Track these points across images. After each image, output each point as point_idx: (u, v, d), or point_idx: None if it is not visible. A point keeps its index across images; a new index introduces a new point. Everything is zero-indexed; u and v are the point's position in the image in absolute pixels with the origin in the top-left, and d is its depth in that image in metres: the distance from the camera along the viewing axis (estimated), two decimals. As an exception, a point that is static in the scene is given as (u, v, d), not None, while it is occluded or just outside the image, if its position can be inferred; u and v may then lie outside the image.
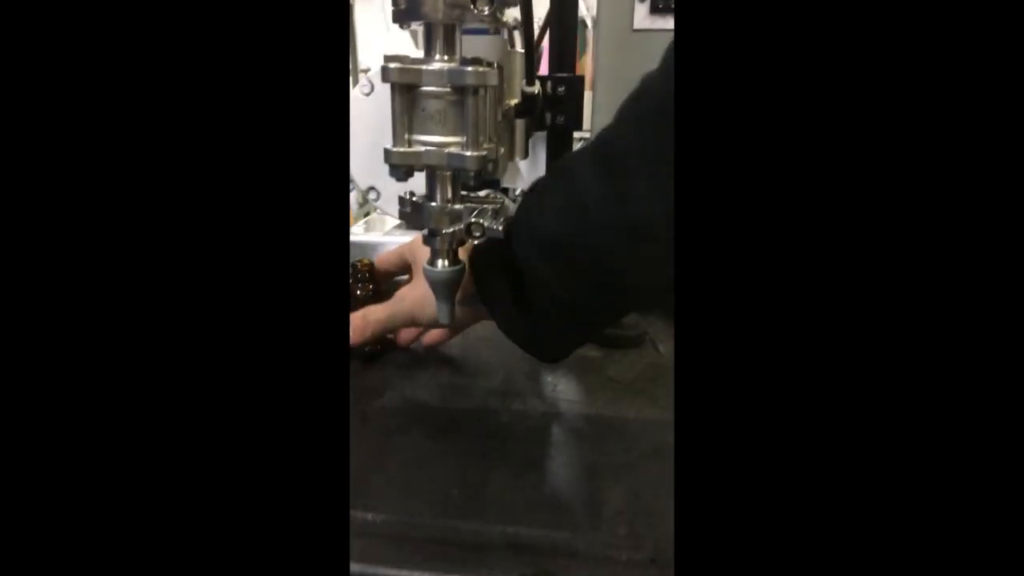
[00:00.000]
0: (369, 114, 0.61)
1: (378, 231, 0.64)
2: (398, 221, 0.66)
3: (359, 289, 0.51)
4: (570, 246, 0.33)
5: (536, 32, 0.44)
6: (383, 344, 0.50)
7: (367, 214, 2.67)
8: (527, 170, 0.75)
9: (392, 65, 0.30)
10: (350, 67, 2.36)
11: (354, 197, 2.66)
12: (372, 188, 0.63)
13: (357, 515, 0.33)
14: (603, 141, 0.34)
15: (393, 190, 0.63)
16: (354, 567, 0.29)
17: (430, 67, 0.31)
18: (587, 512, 0.33)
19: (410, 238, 0.61)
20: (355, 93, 0.61)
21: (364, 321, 0.45)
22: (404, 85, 0.31)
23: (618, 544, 0.30)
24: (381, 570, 0.29)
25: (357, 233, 0.64)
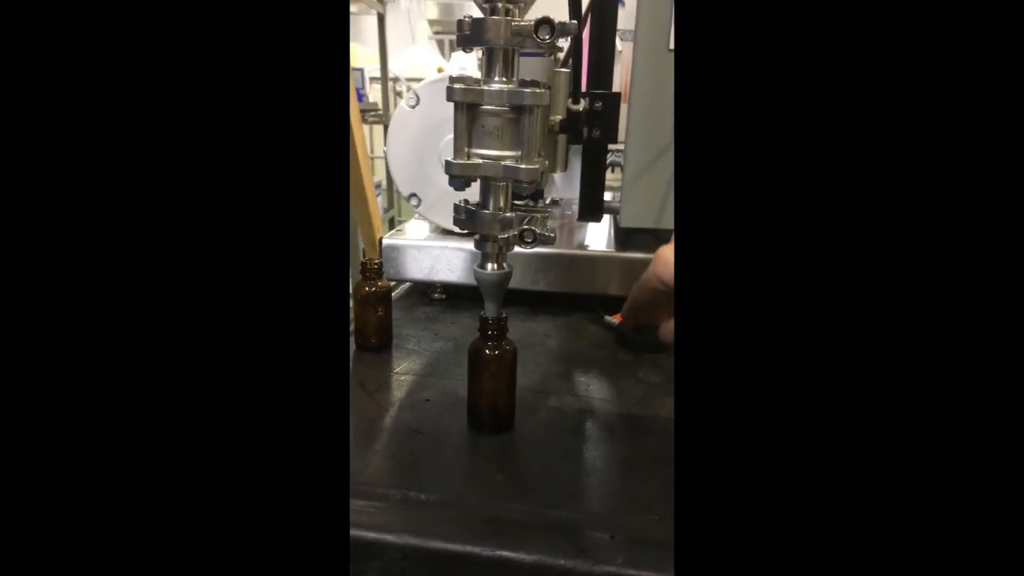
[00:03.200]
0: (414, 125, 0.65)
1: (406, 236, 0.67)
2: (432, 227, 0.69)
3: None
4: None
5: (584, 50, 0.47)
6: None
7: (391, 220, 2.70)
8: (561, 182, 0.78)
9: (457, 86, 0.33)
10: (381, 76, 2.40)
11: (380, 202, 2.68)
12: (414, 195, 0.67)
13: (411, 495, 0.35)
14: None
15: (433, 197, 0.67)
16: (410, 540, 0.32)
17: (490, 88, 0.34)
18: (623, 499, 0.35)
19: (444, 243, 0.64)
20: (402, 105, 0.64)
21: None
22: (466, 104, 0.34)
23: (652, 528, 0.33)
24: (434, 543, 0.32)
25: (397, 236, 0.67)
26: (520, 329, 0.62)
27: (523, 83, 0.33)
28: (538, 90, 0.33)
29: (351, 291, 0.53)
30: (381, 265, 0.55)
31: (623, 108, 0.60)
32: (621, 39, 1.03)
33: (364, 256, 0.56)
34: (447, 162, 0.35)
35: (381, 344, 0.56)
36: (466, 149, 0.35)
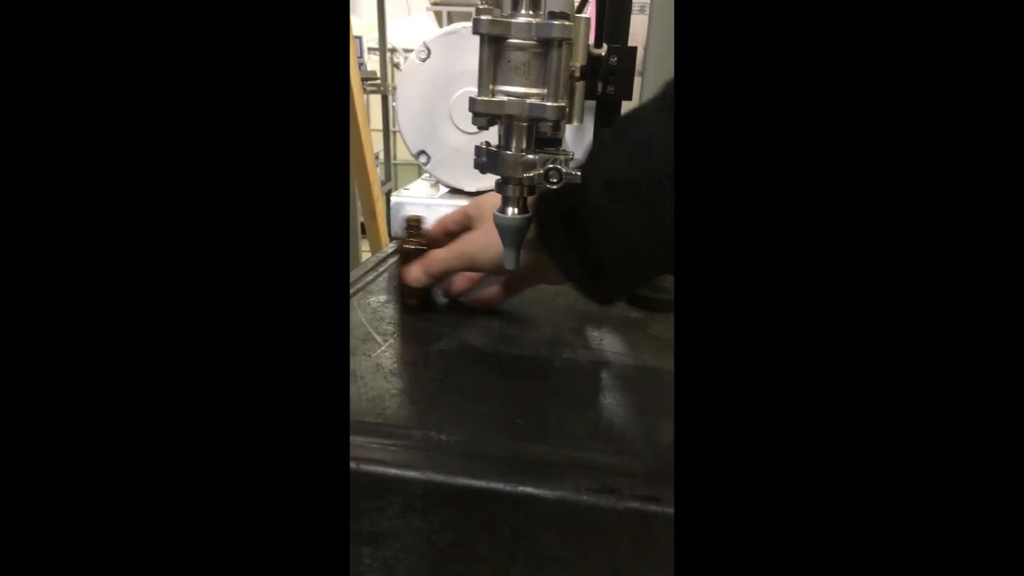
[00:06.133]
0: (424, 79, 0.64)
1: (414, 195, 0.66)
2: (435, 187, 0.69)
3: (411, 243, 0.53)
4: (640, 182, 0.36)
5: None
6: (424, 299, 0.53)
7: (388, 193, 2.71)
8: (572, 137, 0.77)
9: (483, 17, 0.33)
10: (379, 45, 2.37)
11: (378, 173, 2.66)
12: (423, 152, 0.66)
13: (431, 435, 0.35)
14: (669, 92, 0.36)
15: (442, 154, 0.66)
16: (433, 476, 0.32)
17: (518, 20, 0.33)
18: (642, 442, 0.36)
19: (455, 201, 0.64)
20: (412, 58, 0.63)
21: (426, 261, 0.48)
22: (492, 37, 0.33)
23: (672, 470, 0.33)
24: (458, 480, 0.32)
25: (404, 195, 0.66)
26: (530, 288, 0.62)
27: (552, 15, 0.32)
28: (568, 23, 0.32)
29: (394, 249, 0.54)
30: (420, 219, 0.54)
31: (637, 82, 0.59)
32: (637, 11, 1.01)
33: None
34: (470, 99, 0.34)
35: (415, 304, 0.54)
36: (491, 86, 0.34)
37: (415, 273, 0.49)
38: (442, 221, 0.54)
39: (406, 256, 0.51)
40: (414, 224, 0.54)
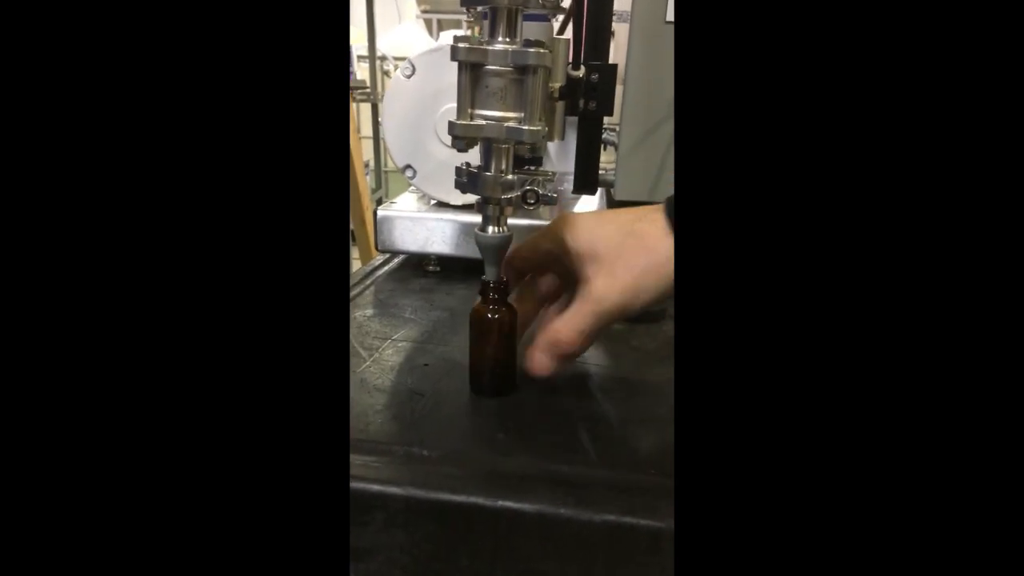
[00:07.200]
0: (409, 95, 0.65)
1: (400, 208, 0.67)
2: (422, 199, 0.70)
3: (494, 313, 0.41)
4: None
5: (584, 19, 0.47)
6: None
7: (379, 200, 2.72)
8: (556, 153, 0.78)
9: (461, 45, 0.34)
10: (369, 54, 2.37)
11: (368, 181, 2.67)
12: (409, 166, 0.67)
13: (413, 451, 0.36)
14: None
15: (428, 168, 0.67)
16: (414, 491, 0.33)
17: (495, 48, 0.34)
18: (621, 455, 0.37)
19: (443, 215, 0.65)
20: (397, 75, 0.64)
21: (569, 337, 0.37)
22: (470, 64, 0.34)
23: (650, 481, 0.34)
24: (438, 495, 0.33)
25: (392, 208, 0.67)
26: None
27: (527, 43, 0.33)
28: (542, 50, 0.33)
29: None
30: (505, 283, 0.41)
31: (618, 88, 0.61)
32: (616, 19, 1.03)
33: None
34: (450, 123, 0.35)
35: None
36: (469, 110, 0.35)
37: (543, 363, 0.39)
38: (514, 264, 0.41)
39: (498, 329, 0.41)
40: (494, 290, 0.40)
